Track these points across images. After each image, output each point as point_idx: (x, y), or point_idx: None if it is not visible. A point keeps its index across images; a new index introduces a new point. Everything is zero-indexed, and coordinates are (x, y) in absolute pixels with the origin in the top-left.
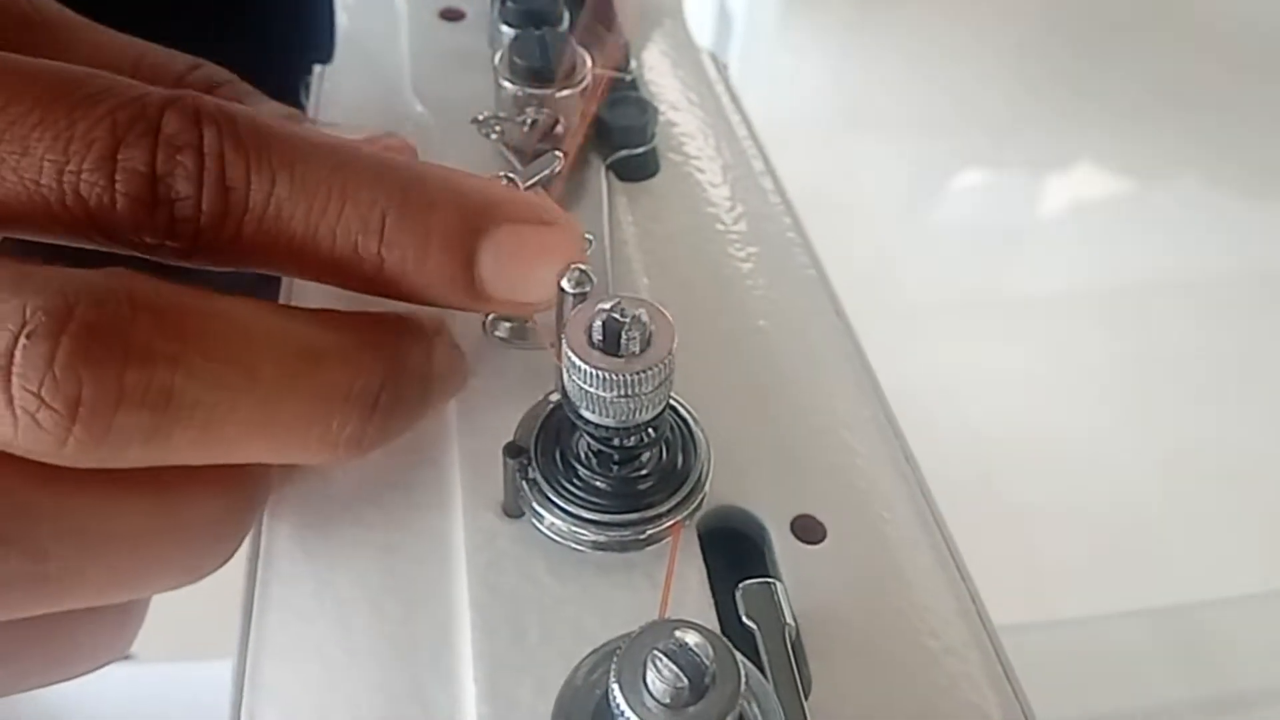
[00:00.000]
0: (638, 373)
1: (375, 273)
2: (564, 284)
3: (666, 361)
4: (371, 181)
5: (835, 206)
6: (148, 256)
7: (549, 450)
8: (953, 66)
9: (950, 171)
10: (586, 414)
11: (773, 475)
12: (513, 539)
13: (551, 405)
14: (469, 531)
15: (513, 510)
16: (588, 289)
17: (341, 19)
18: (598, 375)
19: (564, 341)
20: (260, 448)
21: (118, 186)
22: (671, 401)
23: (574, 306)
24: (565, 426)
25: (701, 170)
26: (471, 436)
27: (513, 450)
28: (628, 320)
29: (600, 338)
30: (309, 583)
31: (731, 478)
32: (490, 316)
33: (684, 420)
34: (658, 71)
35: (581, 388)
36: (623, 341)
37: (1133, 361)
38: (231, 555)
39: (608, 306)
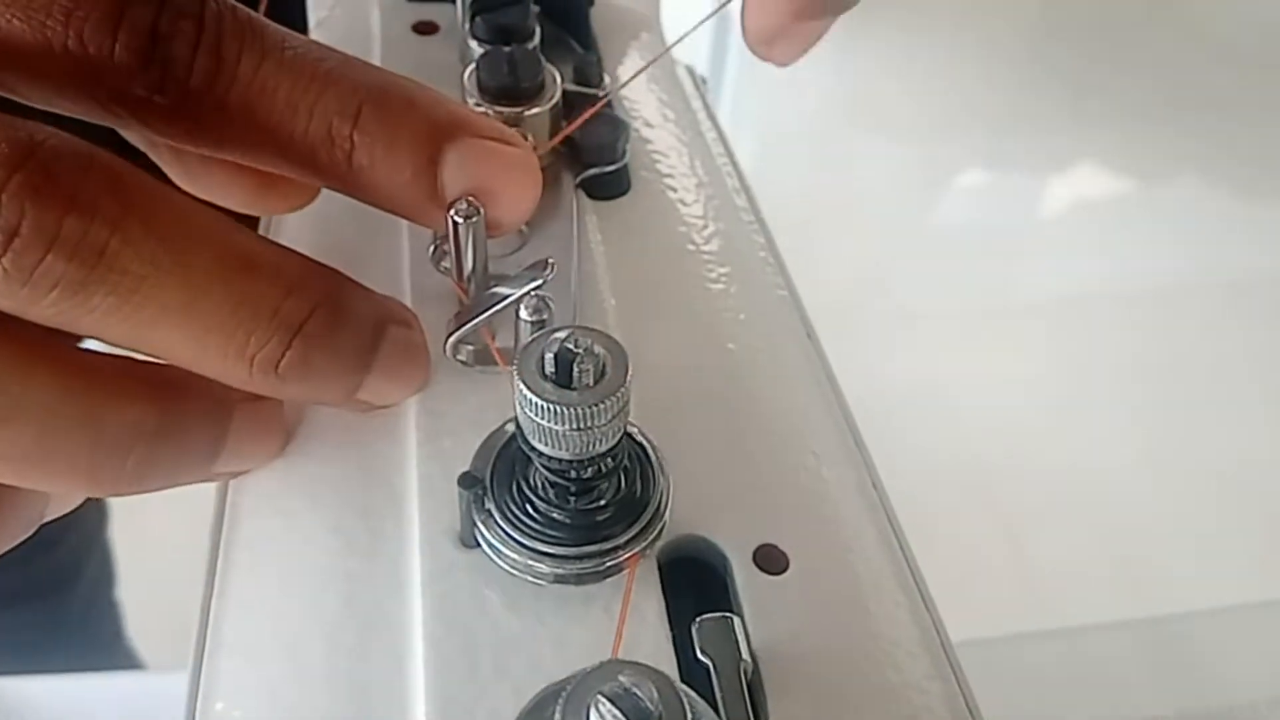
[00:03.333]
0: (591, 406)
1: (343, 159)
2: (522, 312)
3: (621, 394)
4: (356, 74)
5: (836, 209)
6: (130, 120)
7: (505, 480)
8: (953, 67)
9: (951, 173)
10: (540, 446)
11: (736, 503)
12: (469, 570)
13: (509, 434)
14: (425, 562)
15: (469, 541)
16: (545, 317)
17: (312, 26)
18: (549, 408)
19: (515, 373)
20: (173, 340)
21: (120, 38)
22: (630, 428)
23: (532, 334)
24: (522, 456)
25: (674, 189)
26: (430, 462)
27: (468, 481)
28: (580, 351)
29: (553, 369)
30: (263, 614)
31: (693, 506)
32: (452, 338)
33: (642, 448)
34: (632, 86)
35: (534, 420)
36: (575, 374)
37: (1133, 365)
38: (139, 483)
39: (561, 336)
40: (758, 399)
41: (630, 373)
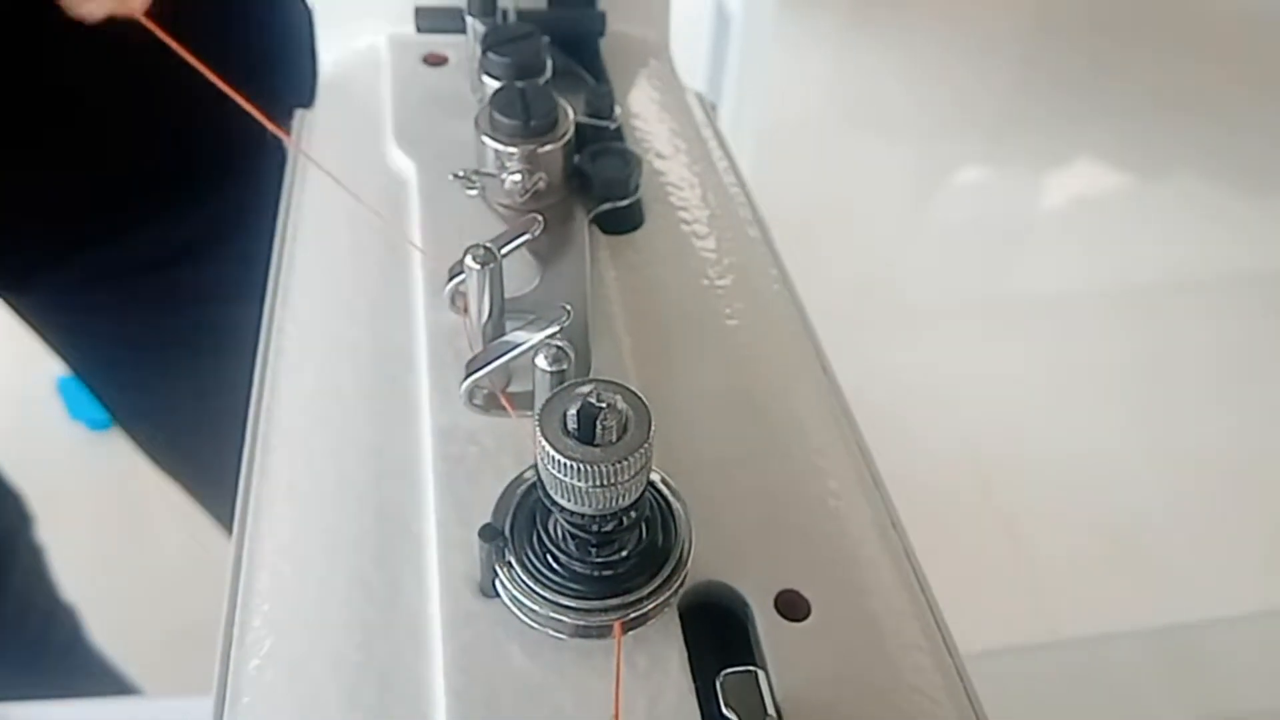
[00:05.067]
0: (615, 463)
1: None
2: (540, 361)
3: (644, 450)
4: None
5: (836, 208)
6: None
7: (526, 531)
8: (952, 66)
9: (950, 172)
10: (562, 502)
11: (757, 548)
12: (490, 621)
13: (528, 482)
14: (445, 612)
15: (489, 590)
16: (565, 367)
17: (325, 63)
18: (572, 465)
19: (538, 428)
20: None
21: None
22: (651, 476)
23: (551, 386)
24: (542, 507)
25: (688, 222)
26: (448, 509)
27: (488, 533)
28: (604, 407)
29: (575, 425)
30: (281, 666)
31: (714, 551)
32: (466, 383)
33: (663, 495)
34: (643, 117)
35: (556, 476)
36: (598, 430)
37: (1134, 363)
38: None
39: (584, 392)
40: (775, 439)
41: (653, 428)
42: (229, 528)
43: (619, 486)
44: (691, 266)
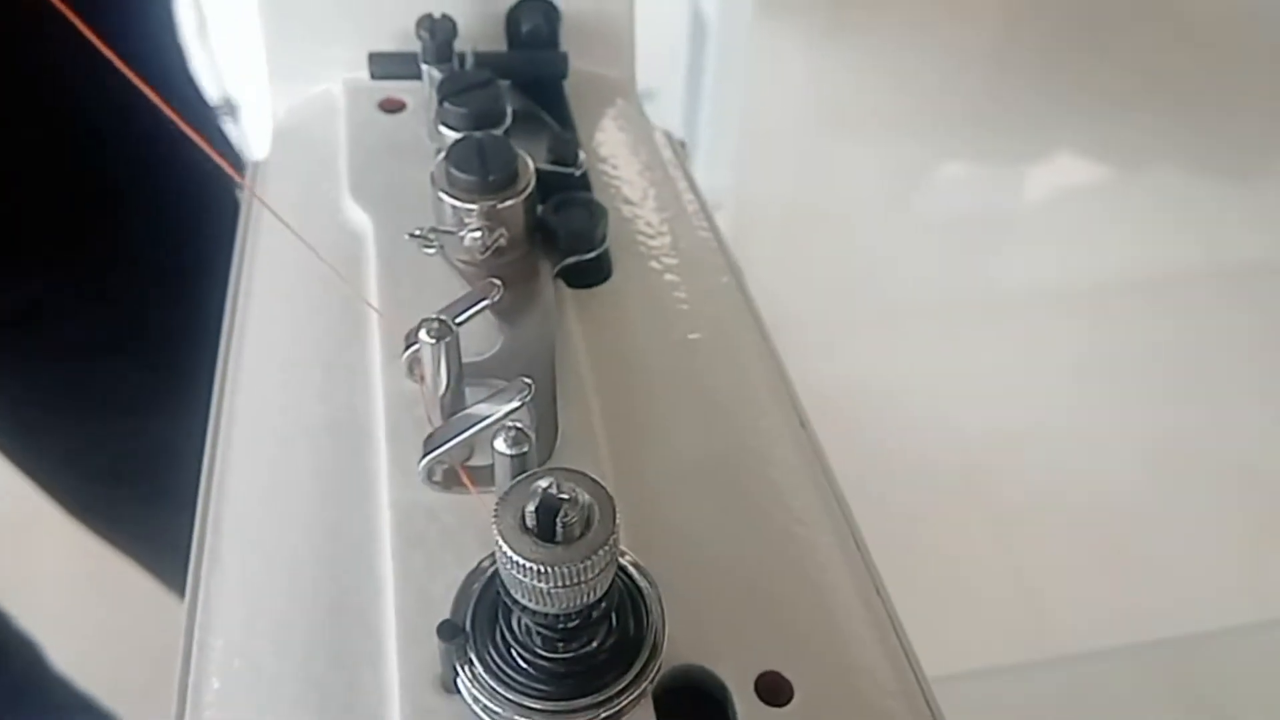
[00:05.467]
0: (578, 562)
1: None
2: (499, 444)
3: (609, 546)
4: None
5: (818, 210)
6: None
7: (488, 626)
8: (926, 67)
9: (928, 170)
10: (524, 601)
11: (735, 627)
12: (453, 718)
13: (489, 572)
14: (404, 712)
15: (451, 686)
16: (526, 450)
17: (279, 110)
18: (532, 567)
19: (495, 526)
20: None
21: None
22: (620, 558)
23: (511, 470)
24: (504, 601)
25: (658, 272)
26: (408, 598)
27: (447, 631)
28: (564, 500)
29: (534, 523)
30: None
31: (690, 632)
32: (424, 461)
33: (632, 579)
34: (610, 161)
35: (516, 577)
36: (559, 527)
37: (1115, 357)
38: None
39: (543, 485)
40: (753, 507)
41: (618, 521)
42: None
43: (583, 585)
44: (663, 320)
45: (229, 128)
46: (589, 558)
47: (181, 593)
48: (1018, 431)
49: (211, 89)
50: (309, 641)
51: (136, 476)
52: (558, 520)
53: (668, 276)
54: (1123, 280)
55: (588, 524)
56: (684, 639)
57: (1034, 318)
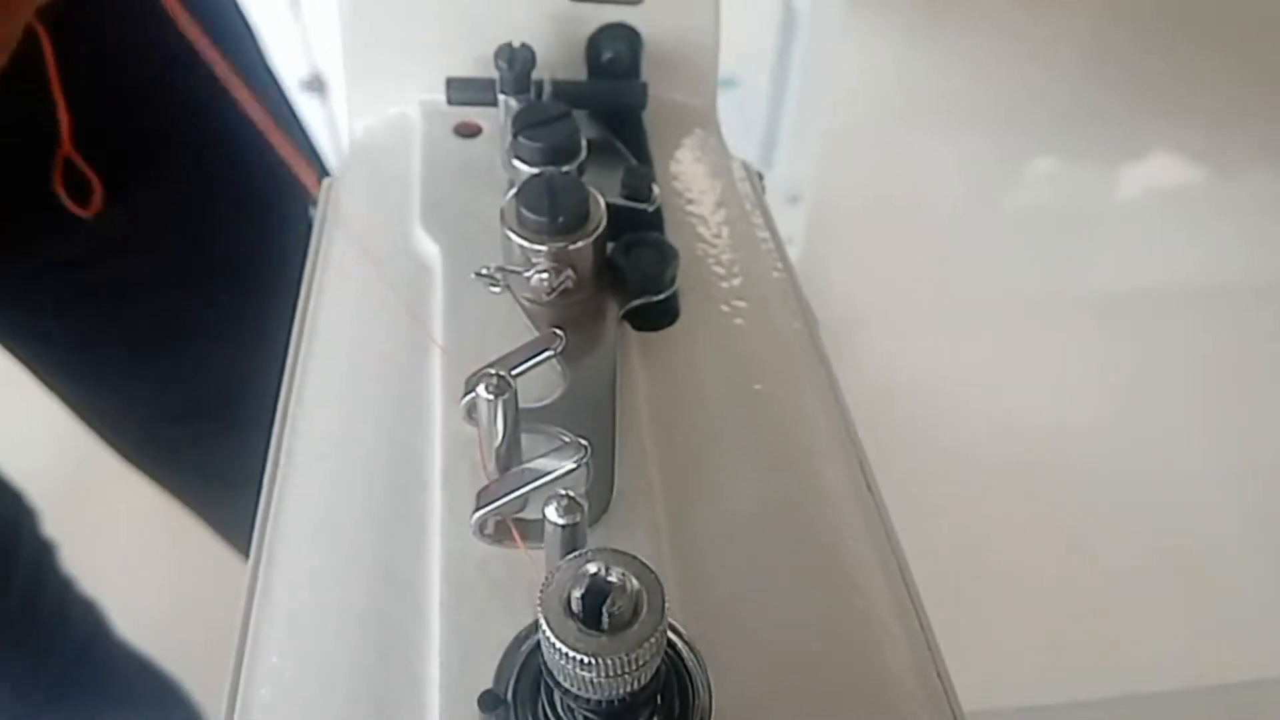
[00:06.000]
0: (624, 654)
1: None
2: (549, 513)
3: (656, 637)
4: None
5: (899, 204)
6: None
7: (529, 700)
8: (1022, 59)
9: (1015, 166)
10: (567, 685)
11: (785, 701)
12: None
13: (534, 642)
14: None
15: None
16: (578, 520)
17: (357, 129)
18: (575, 656)
19: (539, 607)
20: None
21: None
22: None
23: (561, 541)
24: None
25: (728, 316)
26: (454, 657)
27: (489, 702)
28: (612, 585)
29: (580, 609)
30: None
31: (737, 703)
32: (477, 515)
33: (681, 658)
34: (685, 197)
35: (560, 663)
36: (604, 617)
37: (1205, 368)
38: None
39: (590, 571)
40: (812, 574)
41: (666, 606)
42: (226, 536)
43: (628, 676)
44: (729, 368)
45: (315, 105)
46: (635, 649)
47: (244, 552)
48: (1089, 441)
49: (301, 64)
50: (352, 683)
51: (204, 412)
52: (604, 609)
53: (737, 321)
54: (1216, 286)
55: (635, 611)
56: (732, 711)
57: (1117, 322)
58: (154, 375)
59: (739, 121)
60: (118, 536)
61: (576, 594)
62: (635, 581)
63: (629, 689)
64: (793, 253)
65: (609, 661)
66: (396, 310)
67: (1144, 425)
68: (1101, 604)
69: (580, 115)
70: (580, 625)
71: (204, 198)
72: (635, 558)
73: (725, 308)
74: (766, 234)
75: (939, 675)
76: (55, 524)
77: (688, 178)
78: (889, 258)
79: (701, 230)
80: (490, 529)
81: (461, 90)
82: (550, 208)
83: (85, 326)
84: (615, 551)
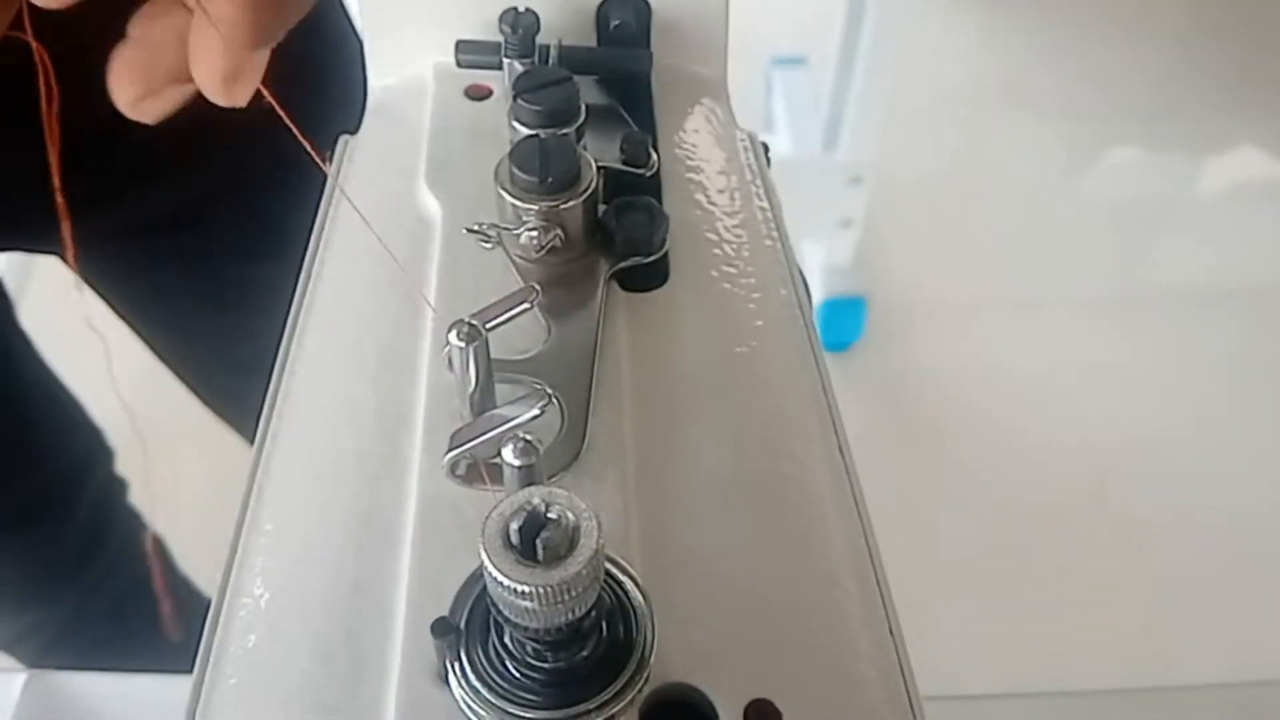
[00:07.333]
0: (556, 585)
1: None
2: (506, 454)
3: (589, 568)
4: None
5: (966, 188)
6: None
7: (480, 629)
8: (1100, 44)
9: (1092, 154)
10: (509, 616)
11: (733, 649)
12: (445, 713)
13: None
14: (400, 701)
15: (447, 682)
16: (533, 461)
17: (375, 88)
18: (508, 584)
19: (481, 538)
20: None
21: None
22: (609, 568)
23: (519, 480)
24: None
25: (716, 281)
26: (421, 590)
27: (441, 628)
28: (549, 521)
29: (517, 540)
30: None
31: (686, 650)
32: (448, 456)
33: (627, 594)
34: (685, 163)
35: (498, 591)
36: (539, 548)
37: (1271, 365)
38: None
39: (531, 504)
40: (774, 532)
41: (600, 542)
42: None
43: (561, 605)
44: (713, 330)
45: None
46: (569, 581)
47: None
48: (1155, 437)
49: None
50: (328, 615)
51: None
52: (538, 540)
53: (725, 285)
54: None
55: (571, 545)
56: (681, 657)
57: (1191, 316)
58: (222, 331)
59: (806, 100)
60: (192, 481)
61: (515, 526)
62: (571, 516)
63: (564, 618)
64: (850, 234)
65: (540, 590)
66: (394, 266)
67: (1210, 424)
68: (1154, 595)
69: (589, 82)
70: (518, 556)
71: (275, 174)
72: (568, 494)
73: (715, 273)
74: (765, 204)
75: (891, 633)
76: (127, 464)
77: (690, 145)
78: (953, 243)
79: (699, 197)
80: (462, 470)
81: (470, 53)
82: (541, 168)
83: (182, 282)
84: (559, 490)
